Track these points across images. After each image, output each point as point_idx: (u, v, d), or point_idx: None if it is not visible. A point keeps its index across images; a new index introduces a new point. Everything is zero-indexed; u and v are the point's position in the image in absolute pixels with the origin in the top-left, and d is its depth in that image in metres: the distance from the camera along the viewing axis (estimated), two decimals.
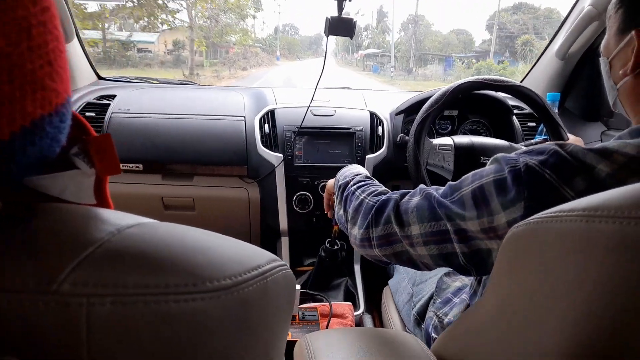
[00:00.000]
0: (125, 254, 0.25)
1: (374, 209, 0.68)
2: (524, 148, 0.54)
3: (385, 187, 1.34)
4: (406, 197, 0.66)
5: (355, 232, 0.71)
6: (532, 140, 1.22)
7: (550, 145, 0.50)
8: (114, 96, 1.38)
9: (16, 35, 0.23)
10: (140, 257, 0.25)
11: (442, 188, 0.63)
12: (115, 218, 0.27)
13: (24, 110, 0.24)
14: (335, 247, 1.22)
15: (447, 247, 0.59)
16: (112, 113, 1.30)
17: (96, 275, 0.23)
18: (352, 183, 0.80)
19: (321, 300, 1.14)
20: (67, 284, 0.22)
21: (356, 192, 0.75)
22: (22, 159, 0.25)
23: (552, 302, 0.37)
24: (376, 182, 0.81)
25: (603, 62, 0.61)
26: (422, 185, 0.67)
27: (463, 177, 0.61)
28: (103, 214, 0.28)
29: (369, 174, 0.87)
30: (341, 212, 0.79)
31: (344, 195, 0.79)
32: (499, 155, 0.57)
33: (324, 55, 1.25)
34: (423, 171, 1.07)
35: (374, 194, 0.72)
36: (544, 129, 1.14)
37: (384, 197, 0.69)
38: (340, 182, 0.85)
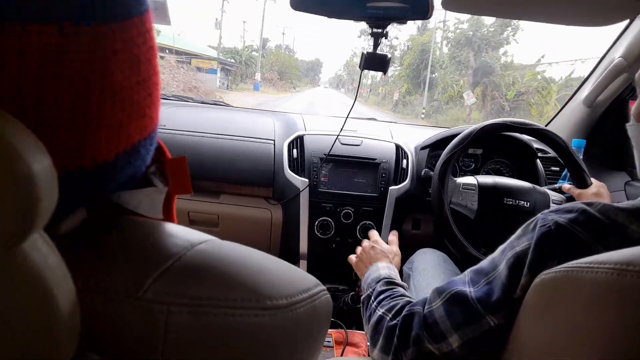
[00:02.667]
0: (200, 268, 0.27)
1: (397, 329, 0.61)
2: (549, 197, 0.53)
3: (406, 219, 1.37)
4: (427, 306, 0.60)
5: (378, 357, 0.63)
6: (556, 185, 1.23)
7: (578, 204, 0.50)
8: None
9: (129, 70, 0.26)
10: (212, 272, 0.27)
11: (464, 278, 0.59)
12: (187, 234, 0.30)
13: (129, 135, 0.27)
14: (358, 305, 1.22)
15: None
16: None
17: (176, 286, 0.26)
18: (373, 296, 0.74)
19: (336, 327, 1.14)
20: (151, 292, 0.25)
21: (376, 308, 0.69)
22: (120, 177, 0.29)
23: (580, 351, 0.38)
24: (398, 288, 0.75)
25: (632, 128, 0.60)
26: (437, 288, 0.61)
27: (486, 259, 0.59)
28: (176, 229, 0.31)
29: (390, 272, 0.84)
30: (367, 329, 0.71)
31: (367, 313, 0.73)
32: (524, 226, 0.55)
33: (357, 87, 1.29)
34: (447, 210, 1.08)
35: (394, 309, 0.65)
36: (568, 174, 1.16)
37: (404, 311, 0.62)
38: (364, 293, 0.81)
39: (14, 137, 0.19)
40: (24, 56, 0.21)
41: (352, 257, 1.06)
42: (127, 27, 0.25)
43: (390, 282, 0.77)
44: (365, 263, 0.95)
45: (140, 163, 0.30)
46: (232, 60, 31.94)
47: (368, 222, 1.32)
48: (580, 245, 0.47)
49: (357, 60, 1.15)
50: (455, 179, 1.16)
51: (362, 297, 0.79)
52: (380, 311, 0.67)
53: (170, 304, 0.25)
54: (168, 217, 0.36)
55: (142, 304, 0.25)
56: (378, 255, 0.96)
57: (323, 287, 0.36)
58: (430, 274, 1.07)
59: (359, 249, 1.06)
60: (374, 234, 1.18)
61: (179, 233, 0.30)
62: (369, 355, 1.10)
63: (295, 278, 0.32)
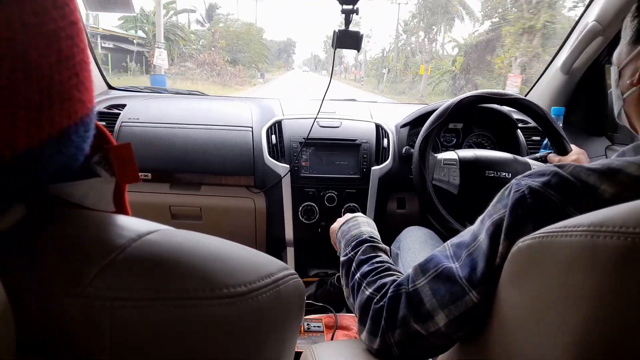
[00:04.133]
0: (146, 260, 0.26)
1: (384, 311, 0.60)
2: (531, 167, 0.52)
3: (391, 199, 1.36)
4: (410, 285, 0.59)
5: (366, 340, 0.63)
6: (537, 154, 1.23)
7: (550, 167, 0.50)
8: (123, 105, 1.40)
9: (46, 47, 0.24)
10: (159, 263, 0.26)
11: (445, 252, 0.59)
12: (135, 225, 0.28)
13: (53, 119, 0.25)
14: None
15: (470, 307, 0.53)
16: (122, 122, 1.32)
17: (120, 280, 0.24)
18: (355, 263, 0.73)
19: (326, 312, 1.14)
20: (92, 287, 0.23)
21: (362, 285, 0.68)
22: (49, 166, 0.27)
23: (555, 314, 0.37)
24: (381, 253, 0.74)
25: (613, 71, 0.60)
26: (419, 264, 0.60)
27: (465, 231, 0.58)
28: (123, 220, 0.29)
29: (372, 229, 0.82)
30: (349, 297, 0.72)
31: (350, 283, 0.72)
32: (500, 193, 0.54)
33: (332, 67, 1.26)
34: (429, 187, 1.07)
35: (382, 290, 0.63)
36: (549, 143, 1.15)
37: (390, 290, 0.61)
38: (342, 251, 0.79)
39: None
40: None
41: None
42: None
43: (373, 247, 0.75)
44: (343, 219, 0.91)
45: (74, 151, 0.28)
46: (140, 35, 20.13)
47: (352, 204, 1.31)
48: (553, 208, 0.47)
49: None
50: (436, 154, 1.15)
51: (341, 259, 0.77)
52: (367, 291, 0.65)
53: (113, 299, 0.23)
54: (120, 209, 0.34)
55: (83, 301, 0.23)
56: (357, 214, 0.94)
57: (291, 271, 0.34)
58: (417, 251, 1.06)
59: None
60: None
61: (126, 224, 0.28)
62: (359, 334, 1.10)
63: (256, 263, 0.31)
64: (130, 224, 0.28)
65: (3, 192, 0.25)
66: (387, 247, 0.77)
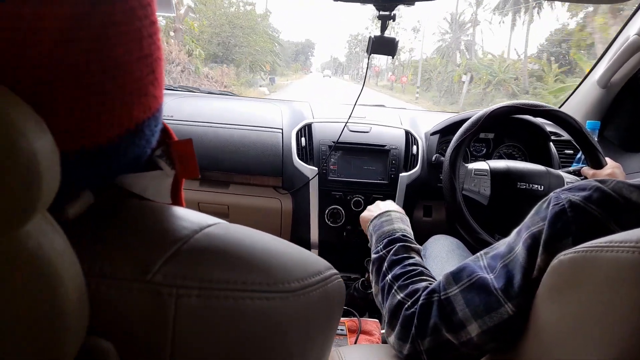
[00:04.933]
0: (209, 251, 0.27)
1: (415, 317, 0.60)
2: (564, 180, 0.51)
3: (417, 207, 1.35)
4: (442, 293, 0.59)
5: (395, 345, 0.63)
6: (570, 168, 1.21)
7: (591, 181, 0.49)
8: None
9: (130, 45, 0.25)
10: (222, 255, 0.27)
11: (479, 262, 0.59)
12: (196, 217, 0.30)
13: (131, 113, 0.27)
14: (369, 290, 1.21)
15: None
16: None
17: (185, 269, 0.25)
18: (387, 264, 0.73)
19: (349, 315, 1.14)
20: (159, 275, 0.25)
21: (393, 288, 0.67)
22: (124, 158, 0.28)
23: (600, 328, 0.37)
24: (414, 254, 0.74)
25: None
26: (451, 272, 0.60)
27: (500, 242, 0.58)
28: (184, 212, 0.30)
29: (405, 226, 0.81)
30: (378, 294, 0.72)
31: (381, 283, 0.71)
32: (537, 205, 0.54)
33: (365, 73, 1.27)
34: (459, 197, 1.06)
35: (414, 296, 0.63)
36: (582, 157, 1.13)
37: (422, 297, 0.61)
38: (373, 247, 0.78)
39: (15, 113, 0.18)
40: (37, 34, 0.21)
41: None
42: None
43: (406, 247, 0.75)
44: (376, 211, 0.90)
45: (145, 144, 0.30)
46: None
47: None
48: (594, 223, 0.46)
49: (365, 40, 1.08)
50: (467, 164, 1.14)
51: (372, 256, 0.77)
52: (399, 295, 0.65)
53: (179, 286, 0.24)
54: (176, 202, 0.35)
55: (150, 288, 0.24)
56: (391, 205, 0.92)
57: (335, 271, 0.35)
58: (444, 260, 1.06)
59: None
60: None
61: (188, 216, 0.29)
62: (382, 342, 1.10)
63: (307, 261, 0.32)
64: (191, 216, 0.30)
65: (79, 180, 0.27)
66: (420, 247, 0.76)
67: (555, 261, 0.44)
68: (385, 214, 0.85)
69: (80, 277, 0.23)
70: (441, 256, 1.08)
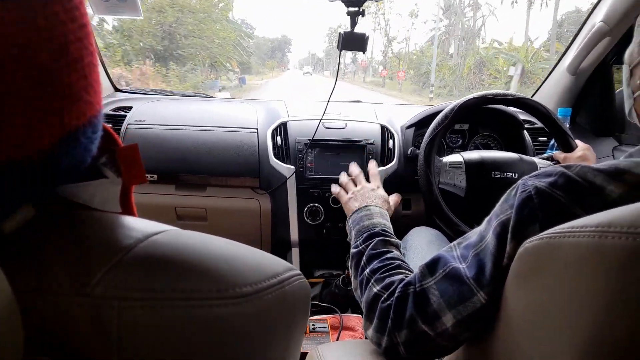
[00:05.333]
0: (153, 260, 0.26)
1: (391, 310, 0.60)
2: (537, 167, 0.52)
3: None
4: (417, 284, 0.59)
5: (373, 338, 0.64)
6: (544, 155, 1.22)
7: (557, 167, 0.50)
8: (130, 108, 1.41)
9: (57, 51, 0.24)
10: (167, 264, 0.26)
11: (452, 252, 0.59)
12: (142, 225, 0.29)
13: (62, 121, 0.25)
14: (350, 287, 1.20)
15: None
16: (128, 124, 1.33)
17: (127, 280, 0.24)
18: (365, 258, 0.72)
19: (331, 312, 1.14)
20: (100, 287, 0.24)
21: (370, 281, 0.68)
22: (58, 168, 0.27)
23: (564, 315, 0.37)
24: (392, 249, 0.73)
25: (625, 69, 0.60)
26: (426, 264, 0.60)
27: (472, 232, 0.58)
28: (130, 221, 0.29)
29: (384, 221, 0.81)
30: (357, 289, 0.72)
31: (359, 277, 0.71)
32: (506, 193, 0.54)
33: (337, 69, 1.27)
34: (436, 191, 1.07)
35: (390, 288, 0.63)
36: (556, 144, 1.15)
37: (398, 290, 0.61)
38: (353, 241, 0.78)
39: None
40: None
41: (340, 191, 1.06)
42: (49, 2, 0.23)
43: (385, 241, 0.75)
44: (359, 201, 0.90)
45: (82, 152, 0.28)
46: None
47: None
48: (560, 208, 0.46)
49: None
50: (442, 158, 1.14)
51: (352, 250, 0.77)
52: (375, 288, 0.65)
53: (121, 298, 0.24)
54: (127, 210, 0.34)
55: (90, 301, 0.23)
56: (374, 197, 0.93)
57: (296, 271, 0.34)
58: (425, 251, 1.06)
59: (344, 178, 1.07)
60: (355, 167, 1.17)
61: (133, 225, 0.28)
62: (365, 338, 1.10)
63: (263, 264, 0.31)
64: (137, 225, 0.29)
65: (12, 193, 0.26)
66: (399, 242, 0.76)
67: (521, 249, 0.45)
68: (364, 209, 0.86)
69: (8, 295, 0.21)
70: (421, 248, 1.09)
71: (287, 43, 66.25)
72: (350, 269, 0.76)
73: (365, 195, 0.95)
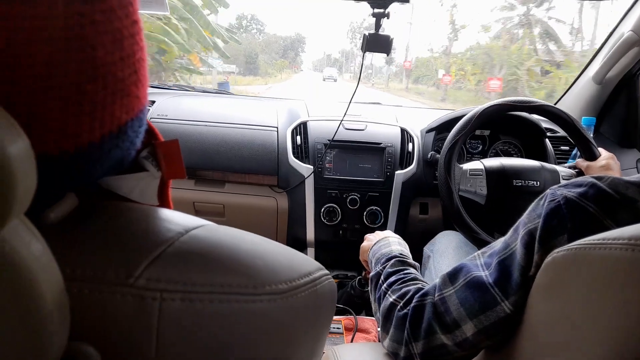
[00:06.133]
0: (193, 254, 0.26)
1: (408, 319, 0.59)
2: (559, 175, 0.51)
3: (413, 204, 1.35)
4: (437, 293, 0.58)
5: (390, 348, 0.63)
6: (566, 164, 1.21)
7: (587, 178, 0.49)
8: (153, 102, 1.43)
9: (111, 45, 0.25)
10: (206, 258, 0.26)
11: (476, 261, 0.58)
12: (182, 219, 0.29)
13: (113, 115, 0.26)
14: (366, 288, 1.20)
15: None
16: (151, 118, 1.35)
17: (168, 273, 0.25)
18: (383, 276, 0.72)
19: (345, 314, 1.14)
20: (143, 279, 0.24)
21: (387, 293, 0.67)
22: (107, 160, 0.28)
23: (591, 327, 0.37)
24: (410, 268, 0.73)
25: None
26: (447, 273, 0.60)
27: (497, 241, 0.58)
28: (170, 214, 0.30)
29: (402, 248, 0.81)
30: (377, 312, 0.70)
31: (377, 294, 0.71)
32: (535, 202, 0.53)
33: (360, 70, 1.27)
34: (456, 198, 1.06)
35: (406, 297, 0.63)
36: (578, 153, 1.13)
37: (415, 299, 0.60)
38: (373, 270, 0.78)
39: None
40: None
41: (362, 245, 1.03)
42: None
43: (402, 262, 0.75)
44: (377, 237, 0.91)
45: (129, 146, 0.29)
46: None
47: (375, 207, 1.30)
48: (590, 219, 0.46)
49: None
50: (462, 165, 1.13)
51: (370, 275, 0.77)
52: (391, 298, 0.64)
53: (163, 290, 0.24)
54: (163, 204, 0.35)
55: (134, 292, 0.24)
56: (390, 234, 0.93)
57: (326, 271, 0.35)
58: (451, 256, 1.06)
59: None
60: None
61: (173, 218, 0.29)
62: (379, 341, 1.09)
63: (295, 262, 0.31)
64: (177, 218, 0.29)
65: (60, 183, 0.26)
66: (417, 264, 0.76)
67: (548, 259, 0.44)
68: (383, 240, 0.86)
69: (59, 282, 0.22)
70: (448, 252, 1.09)
71: (301, 42, 59.22)
72: (370, 294, 0.76)
73: (381, 234, 0.94)
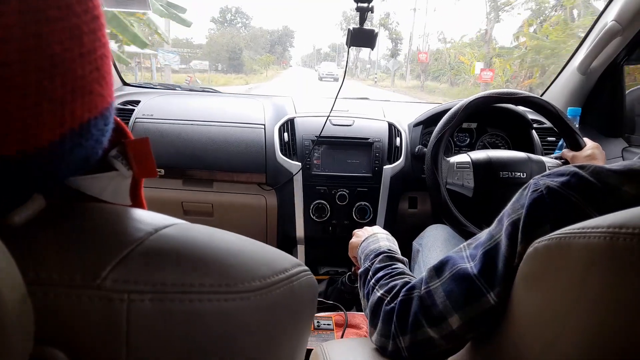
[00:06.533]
0: (163, 253, 0.26)
1: (394, 313, 0.59)
2: (545, 166, 0.51)
3: (402, 198, 1.35)
4: (424, 286, 0.58)
5: (378, 342, 0.63)
6: (552, 155, 1.21)
7: (570, 167, 0.49)
8: (138, 102, 1.41)
9: (69, 41, 0.24)
10: (176, 257, 0.26)
11: (461, 253, 0.58)
12: (152, 218, 0.29)
13: (74, 113, 0.25)
14: (356, 284, 1.20)
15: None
16: (136, 118, 1.33)
17: (136, 273, 0.24)
18: (371, 272, 0.72)
19: (336, 310, 1.14)
20: (109, 280, 0.24)
21: (375, 288, 0.67)
22: (69, 160, 0.27)
23: (573, 316, 0.37)
24: (398, 263, 0.73)
25: None
26: (433, 266, 0.59)
27: (483, 232, 0.58)
28: (140, 214, 0.29)
29: (391, 244, 0.81)
30: (366, 308, 0.70)
31: (365, 290, 0.71)
32: (518, 193, 0.53)
33: (345, 65, 1.26)
34: (443, 192, 1.06)
35: (393, 291, 0.63)
36: (564, 144, 1.14)
37: (402, 293, 0.60)
38: (362, 266, 0.78)
39: None
40: None
41: (351, 241, 1.03)
42: None
43: (390, 257, 0.75)
44: (366, 234, 0.91)
45: (93, 144, 0.28)
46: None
47: (364, 203, 1.30)
48: (573, 208, 0.46)
49: None
50: (449, 159, 1.14)
51: (359, 271, 0.77)
52: (379, 292, 0.65)
53: (130, 292, 0.24)
54: (136, 203, 0.34)
55: (100, 294, 0.23)
56: (379, 230, 0.93)
57: (304, 267, 0.34)
58: (440, 249, 1.06)
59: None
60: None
61: (143, 218, 0.28)
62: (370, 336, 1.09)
63: (271, 259, 0.31)
64: (147, 218, 0.29)
65: (23, 185, 0.26)
66: (406, 259, 0.76)
67: (530, 249, 0.44)
68: (371, 236, 0.86)
69: (20, 286, 0.22)
70: (437, 246, 1.09)
71: (290, 36, 54.86)
72: (359, 290, 0.76)
73: (370, 230, 0.94)
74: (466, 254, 0.57)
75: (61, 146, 0.25)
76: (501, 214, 0.55)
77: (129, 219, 0.28)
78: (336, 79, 30.47)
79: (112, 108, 0.30)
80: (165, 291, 0.24)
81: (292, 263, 0.33)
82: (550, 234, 0.41)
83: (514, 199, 0.54)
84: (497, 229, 0.54)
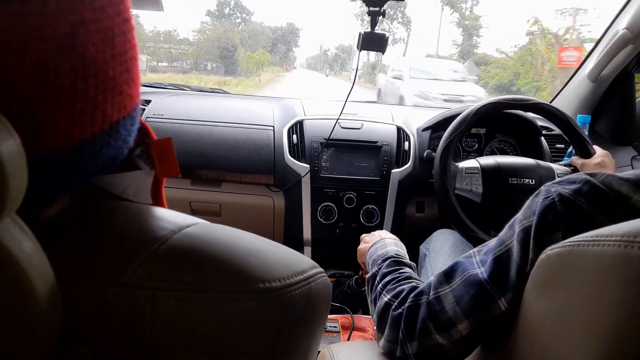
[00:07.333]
0: (187, 252, 0.26)
1: (402, 319, 0.59)
2: (555, 172, 0.51)
3: (409, 202, 1.35)
4: (432, 292, 0.58)
5: (385, 348, 0.63)
6: (561, 162, 1.21)
7: (581, 175, 0.49)
8: (148, 101, 1.42)
9: (102, 43, 0.25)
10: (198, 256, 0.26)
11: (471, 259, 0.58)
12: (175, 217, 0.29)
13: (105, 113, 0.26)
14: (363, 288, 1.20)
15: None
16: (147, 118, 1.34)
17: (161, 271, 0.25)
18: (378, 277, 0.72)
19: (342, 312, 1.14)
20: (136, 277, 0.24)
21: (382, 293, 0.66)
22: (98, 158, 0.28)
23: (585, 324, 0.37)
24: (405, 267, 0.73)
25: None
26: (443, 272, 0.59)
27: (493, 239, 0.57)
28: (163, 213, 0.30)
29: (398, 249, 0.81)
30: (373, 314, 0.70)
31: (373, 295, 0.71)
32: (529, 199, 0.53)
33: (355, 69, 1.27)
34: (452, 197, 1.06)
35: (400, 296, 0.62)
36: (573, 151, 1.14)
37: (410, 299, 0.60)
38: (369, 271, 0.78)
39: None
40: None
41: (359, 248, 1.03)
42: None
43: (398, 262, 0.74)
44: (374, 239, 0.91)
45: (121, 144, 0.29)
46: None
47: (371, 206, 1.30)
48: (584, 216, 0.46)
49: None
50: (457, 164, 1.14)
51: (367, 276, 0.77)
52: (386, 297, 0.64)
53: (155, 288, 0.24)
54: (157, 202, 0.35)
55: (126, 290, 0.24)
56: (386, 235, 0.93)
57: (320, 269, 0.35)
58: (447, 254, 1.06)
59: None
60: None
61: (167, 216, 0.29)
62: (377, 341, 1.09)
63: (289, 260, 0.31)
64: (171, 217, 0.29)
65: (54, 182, 0.26)
66: (413, 264, 0.76)
67: (542, 256, 0.44)
68: (379, 242, 0.86)
69: (51, 280, 0.22)
70: (444, 250, 1.08)
71: (295, 34, 46.39)
72: (367, 295, 0.75)
73: (378, 235, 0.94)
74: (476, 260, 0.57)
75: (92, 145, 0.26)
76: (512, 220, 0.55)
77: (153, 217, 0.29)
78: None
79: (138, 108, 0.31)
80: (188, 289, 0.25)
81: (309, 264, 0.33)
82: (563, 242, 0.41)
83: (525, 205, 0.54)
84: (508, 235, 0.54)
